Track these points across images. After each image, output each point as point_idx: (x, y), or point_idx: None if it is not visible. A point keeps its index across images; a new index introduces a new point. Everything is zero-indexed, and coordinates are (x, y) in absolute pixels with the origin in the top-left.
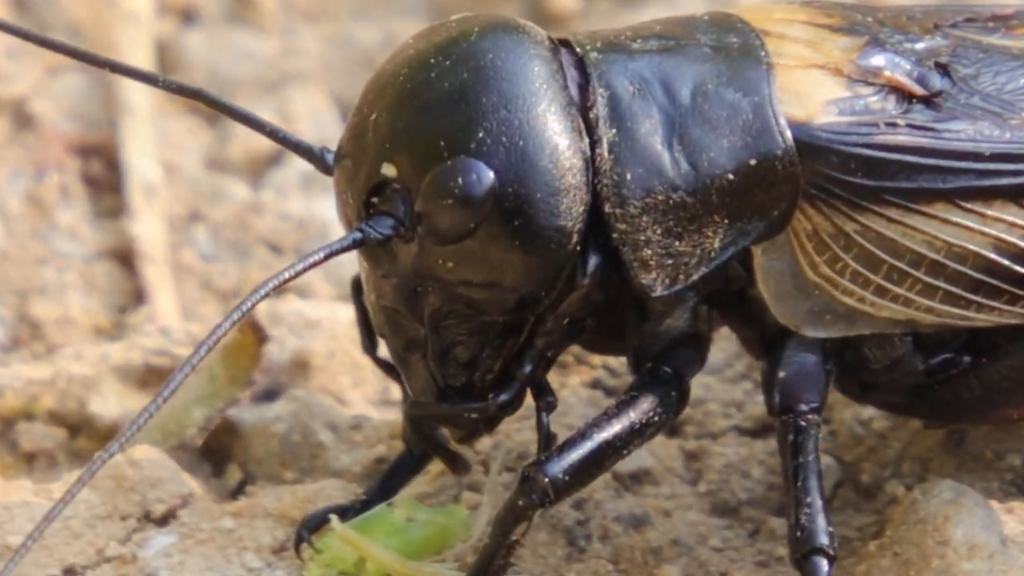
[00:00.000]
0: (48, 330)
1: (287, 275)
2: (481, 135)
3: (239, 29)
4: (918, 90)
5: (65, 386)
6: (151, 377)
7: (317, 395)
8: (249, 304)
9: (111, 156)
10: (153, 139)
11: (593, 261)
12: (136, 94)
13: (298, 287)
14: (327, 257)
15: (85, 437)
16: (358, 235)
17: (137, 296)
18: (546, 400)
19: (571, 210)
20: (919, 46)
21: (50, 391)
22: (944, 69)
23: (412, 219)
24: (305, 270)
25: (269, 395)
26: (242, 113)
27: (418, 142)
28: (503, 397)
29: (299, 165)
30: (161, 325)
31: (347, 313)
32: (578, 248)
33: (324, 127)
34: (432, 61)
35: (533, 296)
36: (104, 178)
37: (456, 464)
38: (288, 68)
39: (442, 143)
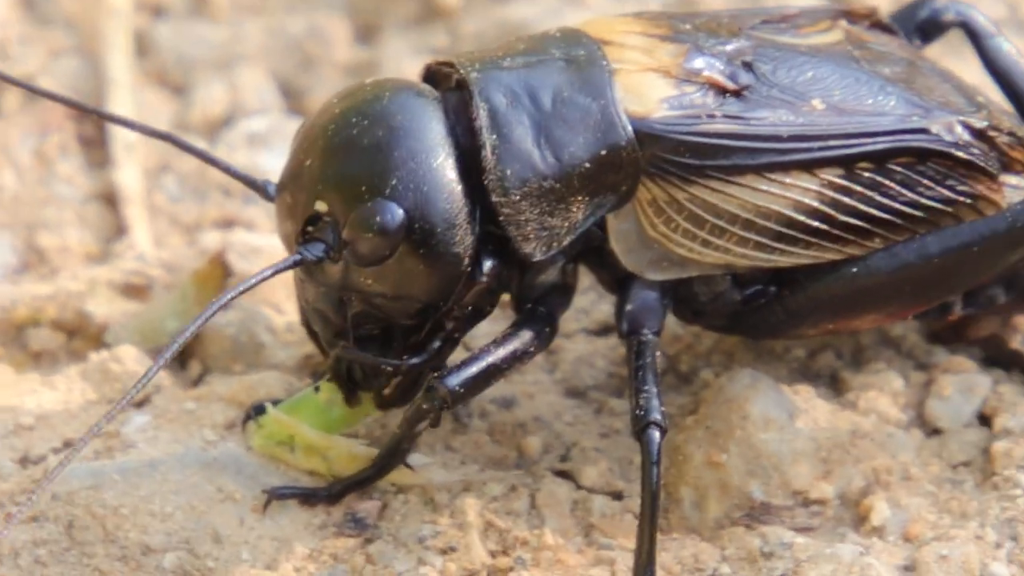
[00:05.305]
0: (50, 256)
1: (242, 288)
2: (394, 182)
3: (198, 21)
4: (730, 85)
5: (64, 300)
6: (130, 292)
7: (259, 305)
8: (224, 300)
9: (100, 120)
10: (132, 105)
11: (488, 264)
12: (119, 72)
13: (246, 221)
14: (273, 274)
15: (80, 339)
16: (298, 257)
17: (120, 230)
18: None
19: (464, 239)
20: (729, 47)
21: (52, 304)
22: (749, 66)
23: (340, 245)
24: (256, 284)
25: (223, 306)
26: (201, 153)
27: (344, 186)
28: (414, 360)
29: (245, 127)
30: (138, 252)
31: None
32: (469, 266)
33: (265, 98)
34: (353, 120)
35: (434, 303)
36: (94, 137)
37: (351, 398)
38: (237, 51)
39: (364, 188)
